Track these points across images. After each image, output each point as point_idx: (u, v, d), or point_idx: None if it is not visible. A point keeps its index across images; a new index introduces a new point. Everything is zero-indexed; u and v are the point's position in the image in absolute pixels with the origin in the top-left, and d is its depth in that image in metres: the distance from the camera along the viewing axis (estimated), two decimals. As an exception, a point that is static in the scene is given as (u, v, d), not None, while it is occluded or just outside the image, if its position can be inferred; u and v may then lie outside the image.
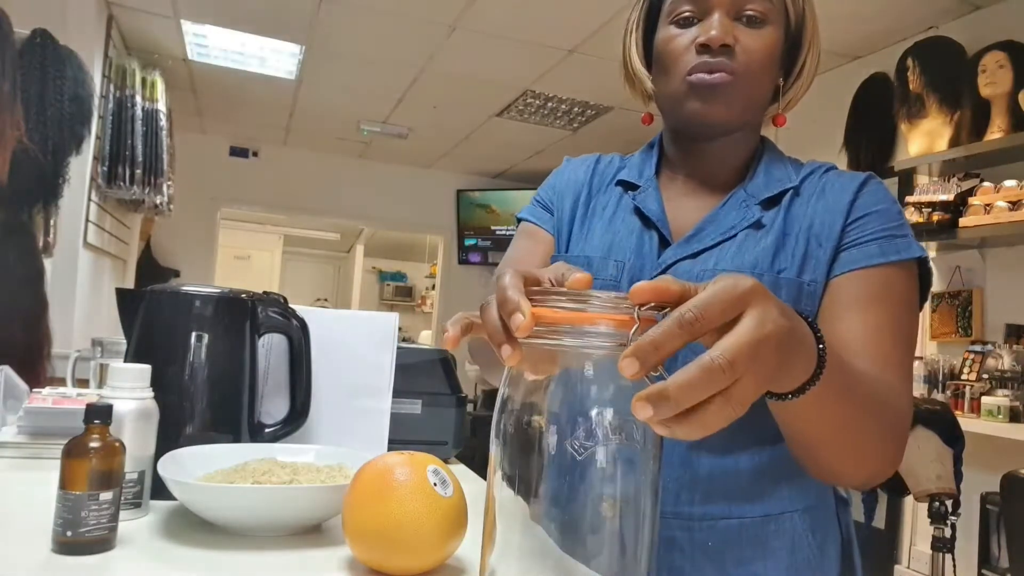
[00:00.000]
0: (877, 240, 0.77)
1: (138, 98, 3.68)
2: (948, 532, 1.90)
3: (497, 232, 6.29)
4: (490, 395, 5.87)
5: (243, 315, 0.87)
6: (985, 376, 2.66)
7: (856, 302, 0.75)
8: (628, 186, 0.90)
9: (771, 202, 0.82)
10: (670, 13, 0.83)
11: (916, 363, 2.84)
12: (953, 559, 1.93)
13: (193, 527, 0.70)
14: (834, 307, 0.76)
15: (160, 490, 0.70)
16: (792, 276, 0.78)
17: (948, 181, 2.91)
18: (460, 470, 1.07)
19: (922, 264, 0.79)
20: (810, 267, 0.78)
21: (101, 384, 1.21)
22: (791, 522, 0.78)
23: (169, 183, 3.90)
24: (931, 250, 2.98)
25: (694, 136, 0.86)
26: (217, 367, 0.84)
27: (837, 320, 0.75)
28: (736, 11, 0.79)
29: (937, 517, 1.88)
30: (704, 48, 0.78)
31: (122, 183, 3.52)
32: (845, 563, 0.83)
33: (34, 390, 1.13)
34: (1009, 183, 2.65)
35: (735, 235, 0.81)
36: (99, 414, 0.63)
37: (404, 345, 1.09)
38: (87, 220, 3.37)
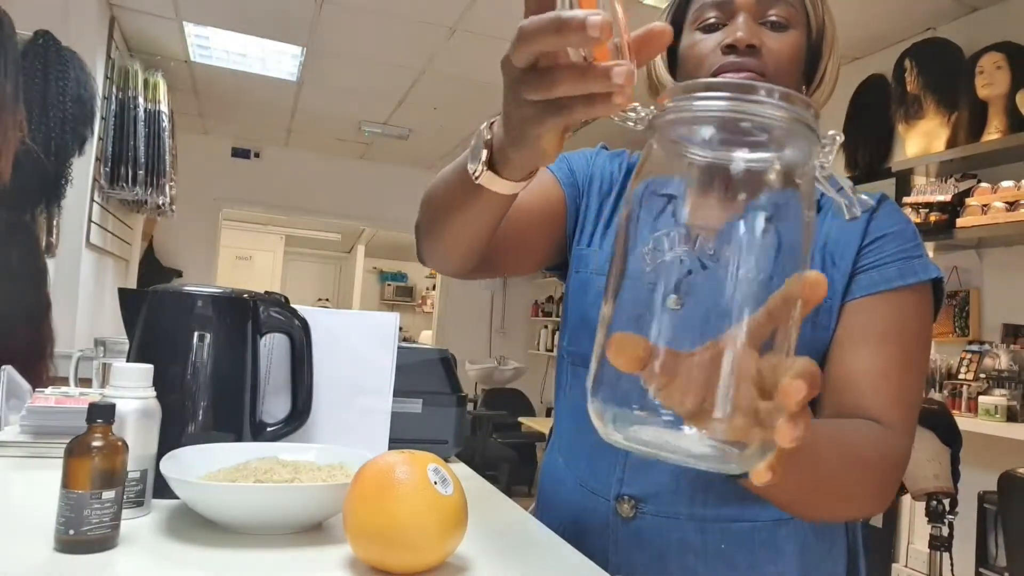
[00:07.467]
0: (896, 262, 0.78)
1: (140, 99, 3.69)
2: (946, 531, 1.91)
3: (497, 232, 6.28)
4: (490, 395, 5.87)
5: (245, 315, 0.88)
6: (982, 376, 2.67)
7: (871, 335, 0.76)
8: None
9: None
10: (695, 20, 0.83)
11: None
12: (951, 558, 1.93)
13: (195, 526, 0.70)
14: (849, 337, 0.76)
15: (162, 489, 0.71)
16: None
17: (945, 182, 2.91)
18: (460, 469, 1.08)
19: (937, 284, 0.80)
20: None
21: (104, 383, 1.21)
22: (800, 526, 0.79)
23: (171, 184, 3.90)
24: (928, 251, 2.98)
25: None
26: (219, 367, 0.84)
27: (850, 353, 0.76)
28: (760, 15, 0.80)
29: (935, 516, 1.88)
30: (730, 49, 0.79)
31: (124, 184, 3.53)
32: (851, 568, 0.84)
33: (37, 389, 1.13)
34: (1006, 184, 2.65)
35: None
36: (101, 413, 0.64)
37: (405, 345, 1.09)
38: (90, 220, 3.37)
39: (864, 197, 0.44)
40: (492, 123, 0.59)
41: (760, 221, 0.41)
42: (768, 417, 0.39)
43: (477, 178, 0.60)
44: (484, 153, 0.59)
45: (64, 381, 1.29)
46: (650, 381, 0.40)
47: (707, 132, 0.42)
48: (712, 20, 0.82)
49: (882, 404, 0.73)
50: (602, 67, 0.43)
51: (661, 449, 0.41)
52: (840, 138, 0.43)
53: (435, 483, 0.61)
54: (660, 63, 0.89)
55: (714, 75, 0.80)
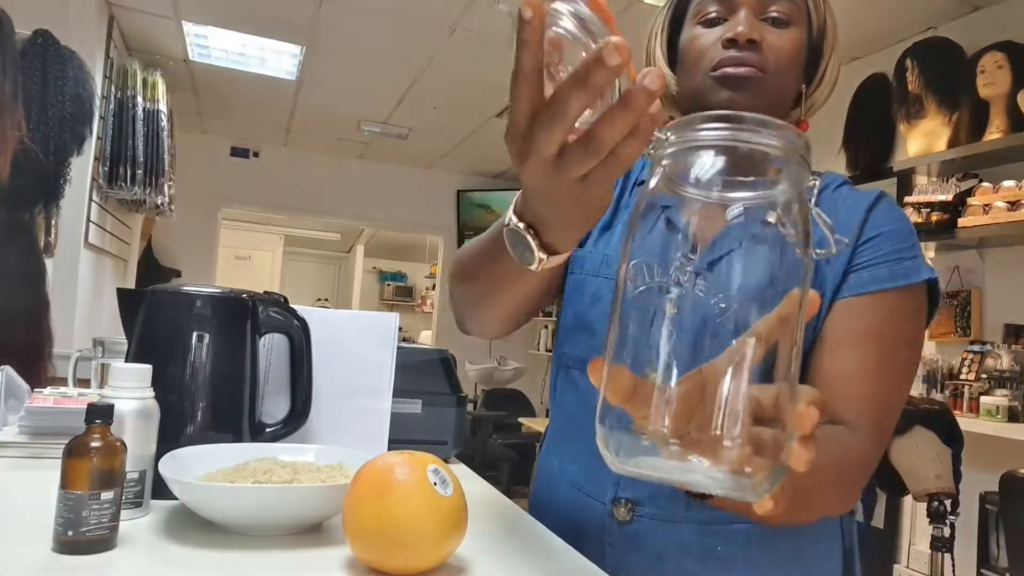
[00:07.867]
0: (888, 263, 0.77)
1: (139, 99, 3.69)
2: (947, 532, 1.91)
3: (497, 232, 6.28)
4: (490, 395, 5.87)
5: (244, 315, 0.88)
6: (984, 376, 2.67)
7: (853, 336, 0.75)
8: None
9: None
10: (696, 14, 0.84)
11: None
12: (952, 558, 1.93)
13: (194, 526, 0.70)
14: (833, 336, 0.76)
15: (161, 489, 0.71)
16: None
17: (947, 181, 2.91)
18: (460, 470, 1.08)
19: (931, 285, 0.78)
20: (817, 285, 0.77)
21: (102, 384, 1.21)
22: (797, 528, 0.79)
23: (170, 183, 3.91)
24: (929, 250, 2.99)
25: None
26: (218, 367, 0.84)
27: (830, 352, 0.75)
28: (762, 11, 0.81)
29: (936, 516, 1.88)
30: (731, 43, 0.79)
31: (123, 183, 3.53)
32: (847, 569, 0.84)
33: (35, 390, 1.13)
34: (1007, 183, 2.65)
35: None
36: (100, 414, 0.63)
37: (404, 345, 1.09)
38: (88, 220, 3.37)
39: (839, 237, 0.44)
40: (516, 209, 0.56)
41: (747, 251, 0.41)
42: (774, 444, 0.38)
43: (538, 268, 0.57)
44: (534, 244, 0.56)
45: (63, 381, 1.29)
46: (633, 412, 0.40)
47: (703, 164, 0.41)
48: (713, 14, 0.82)
49: (852, 405, 0.72)
50: (636, 88, 0.41)
51: (668, 478, 0.40)
52: (818, 182, 0.43)
53: (435, 484, 0.61)
54: (661, 58, 0.89)
55: (714, 69, 0.80)
